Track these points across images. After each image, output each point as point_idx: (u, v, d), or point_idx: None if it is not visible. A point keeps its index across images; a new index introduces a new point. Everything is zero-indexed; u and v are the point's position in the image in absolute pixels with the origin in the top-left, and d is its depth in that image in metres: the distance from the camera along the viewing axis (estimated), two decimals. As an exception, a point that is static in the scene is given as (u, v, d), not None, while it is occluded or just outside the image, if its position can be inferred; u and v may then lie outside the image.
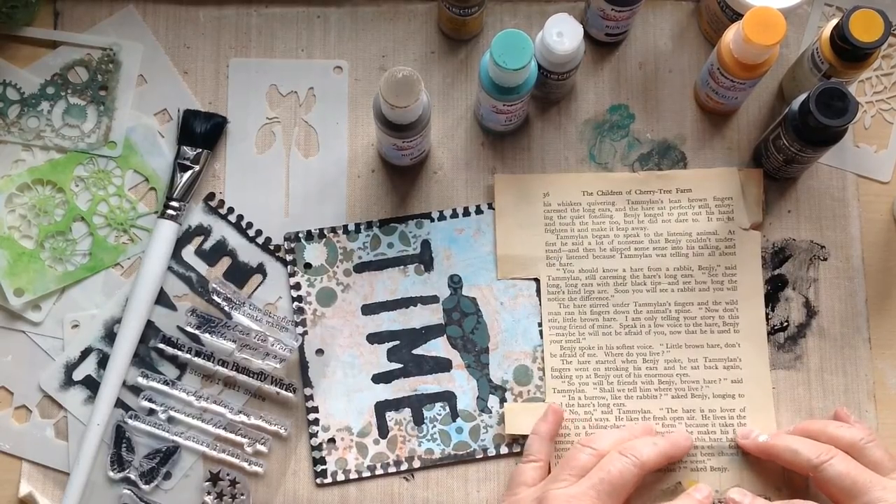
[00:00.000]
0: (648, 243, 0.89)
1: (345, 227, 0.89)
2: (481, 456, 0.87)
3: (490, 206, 0.90)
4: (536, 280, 0.88)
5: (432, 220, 0.90)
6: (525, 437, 0.86)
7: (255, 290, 0.89)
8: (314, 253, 0.89)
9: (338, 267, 0.89)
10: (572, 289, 0.88)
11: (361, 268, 0.89)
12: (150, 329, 0.88)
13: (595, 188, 0.89)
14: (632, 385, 0.87)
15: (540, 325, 0.88)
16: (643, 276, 0.88)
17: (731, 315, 0.88)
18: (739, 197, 0.89)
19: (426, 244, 0.89)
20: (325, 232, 0.89)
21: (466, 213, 0.90)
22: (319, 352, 0.88)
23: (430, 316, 0.89)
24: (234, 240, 0.90)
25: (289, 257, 0.89)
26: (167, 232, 0.88)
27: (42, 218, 0.89)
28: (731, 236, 0.89)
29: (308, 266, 0.89)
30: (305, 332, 0.88)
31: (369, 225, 0.89)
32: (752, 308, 0.88)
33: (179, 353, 0.87)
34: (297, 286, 0.88)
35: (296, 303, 0.88)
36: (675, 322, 0.88)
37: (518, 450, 0.86)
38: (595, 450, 0.80)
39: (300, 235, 0.89)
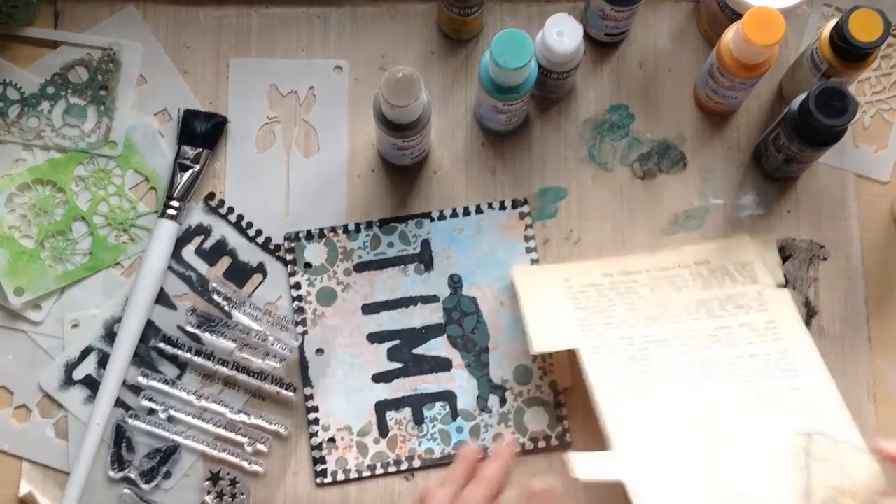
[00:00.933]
0: (681, 310, 0.87)
1: (345, 226, 0.89)
2: (481, 456, 0.87)
3: (490, 206, 0.90)
4: (574, 350, 0.84)
5: (432, 220, 0.90)
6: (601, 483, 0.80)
7: (256, 289, 0.89)
8: (314, 252, 0.89)
9: (338, 266, 0.89)
10: (614, 355, 0.85)
11: (361, 267, 0.89)
12: (150, 328, 0.88)
13: (615, 270, 0.88)
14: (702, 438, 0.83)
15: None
16: (684, 337, 0.86)
17: (786, 362, 0.85)
18: (759, 262, 0.88)
19: (426, 244, 0.89)
20: (326, 231, 0.89)
21: (466, 212, 0.90)
22: (319, 351, 0.88)
23: (430, 315, 0.89)
24: (235, 239, 0.90)
25: (289, 257, 0.89)
26: (167, 231, 0.88)
27: (42, 217, 0.89)
28: (760, 296, 0.87)
29: (308, 266, 0.89)
30: (305, 332, 0.88)
31: (369, 224, 0.89)
32: (804, 354, 0.85)
33: (180, 352, 0.87)
34: (298, 286, 0.88)
35: (296, 302, 0.88)
36: (730, 373, 0.84)
37: (517, 449, 0.86)
38: None
39: (300, 235, 0.89)
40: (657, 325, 0.86)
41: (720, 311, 0.87)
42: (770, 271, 0.88)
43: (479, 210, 0.90)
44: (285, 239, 0.89)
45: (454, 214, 0.90)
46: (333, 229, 0.89)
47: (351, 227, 0.89)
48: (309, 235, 0.89)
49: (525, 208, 0.90)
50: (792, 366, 0.85)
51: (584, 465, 0.79)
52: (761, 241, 0.89)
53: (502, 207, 0.90)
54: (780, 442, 0.82)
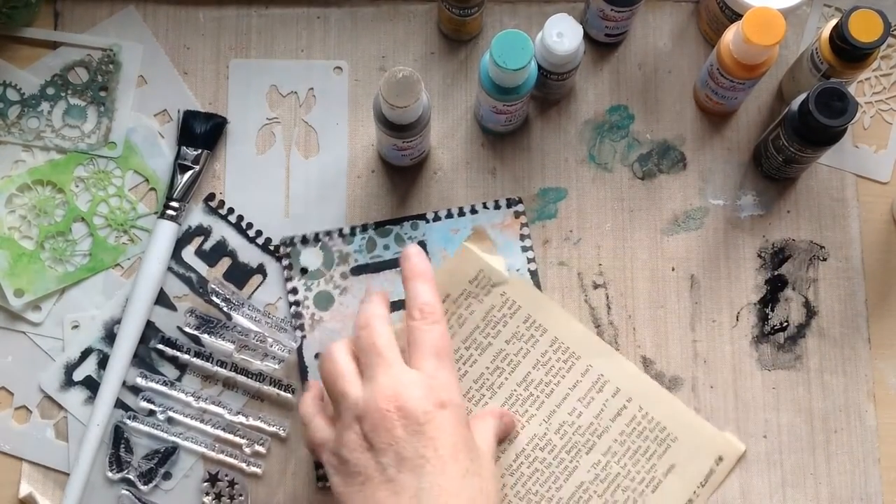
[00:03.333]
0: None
1: (340, 230, 0.89)
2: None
3: (485, 206, 0.90)
4: None
5: (427, 221, 0.90)
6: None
7: (256, 290, 0.89)
8: (310, 257, 0.89)
9: (334, 270, 0.89)
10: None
11: (358, 270, 0.89)
12: (150, 329, 0.88)
13: None
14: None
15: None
16: (475, 390, 0.86)
17: (563, 350, 0.86)
18: (486, 265, 0.87)
19: (422, 245, 0.89)
20: (321, 236, 0.89)
21: (461, 213, 0.90)
22: (318, 356, 0.88)
23: (428, 317, 0.89)
24: (235, 240, 0.90)
25: (285, 262, 0.89)
26: (167, 232, 0.88)
27: (42, 218, 0.89)
28: (506, 298, 0.87)
29: (304, 270, 0.89)
30: (304, 336, 0.88)
31: (364, 227, 0.89)
32: (563, 327, 0.86)
33: (179, 353, 0.87)
34: (294, 291, 0.88)
35: (293, 307, 0.88)
36: (533, 397, 0.85)
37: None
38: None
39: (295, 240, 0.89)
40: None
41: (485, 338, 0.86)
42: (497, 265, 0.87)
43: (473, 210, 0.90)
44: (281, 244, 0.89)
45: (449, 215, 0.90)
46: (329, 233, 0.89)
47: (346, 230, 0.89)
48: (304, 240, 0.89)
49: (520, 207, 0.90)
50: (568, 350, 0.86)
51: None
52: (473, 239, 0.88)
53: (497, 207, 0.90)
54: (612, 430, 0.85)
